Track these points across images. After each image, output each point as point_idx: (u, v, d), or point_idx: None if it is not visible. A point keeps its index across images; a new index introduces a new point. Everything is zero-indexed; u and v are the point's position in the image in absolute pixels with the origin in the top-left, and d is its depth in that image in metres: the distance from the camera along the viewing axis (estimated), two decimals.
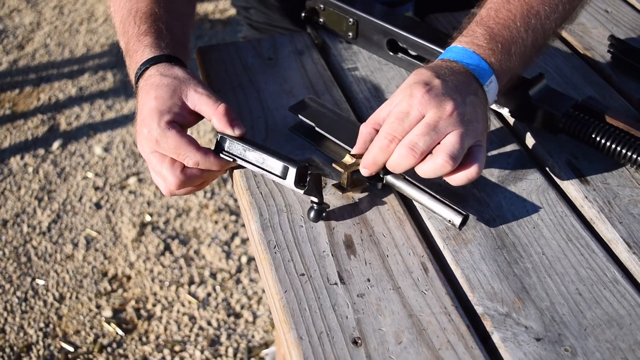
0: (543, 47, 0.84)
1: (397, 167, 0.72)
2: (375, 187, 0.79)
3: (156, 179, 0.81)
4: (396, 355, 0.62)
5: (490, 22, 0.79)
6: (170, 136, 0.77)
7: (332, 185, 0.80)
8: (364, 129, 0.76)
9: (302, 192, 0.75)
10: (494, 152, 0.86)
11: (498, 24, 0.79)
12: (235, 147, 0.79)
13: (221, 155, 0.80)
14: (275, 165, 0.77)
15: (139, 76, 0.83)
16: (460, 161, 0.71)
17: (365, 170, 0.75)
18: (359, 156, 0.76)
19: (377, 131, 0.75)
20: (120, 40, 0.91)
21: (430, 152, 0.71)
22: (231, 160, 0.80)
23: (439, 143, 0.70)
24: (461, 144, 0.70)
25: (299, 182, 0.76)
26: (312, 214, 0.74)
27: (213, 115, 0.79)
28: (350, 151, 0.80)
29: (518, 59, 0.79)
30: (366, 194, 0.79)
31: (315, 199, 0.74)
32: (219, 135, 0.80)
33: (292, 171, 0.75)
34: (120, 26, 0.90)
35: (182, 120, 0.79)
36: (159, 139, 0.77)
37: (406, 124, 0.71)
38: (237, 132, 0.79)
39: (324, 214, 0.75)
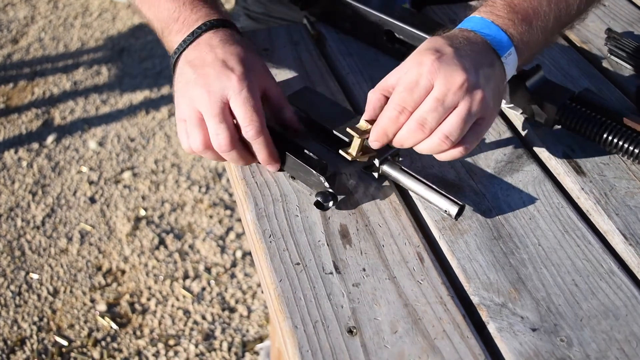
0: (565, 25, 0.82)
1: (405, 142, 0.70)
2: (371, 177, 0.79)
3: (194, 127, 0.75)
4: (391, 345, 0.61)
5: None
6: (255, 98, 0.74)
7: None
8: (373, 95, 0.73)
9: (327, 184, 0.75)
10: (491, 144, 0.86)
11: None
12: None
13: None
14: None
15: (210, 26, 0.79)
16: None
17: (376, 143, 0.72)
18: (372, 122, 0.73)
19: (386, 98, 0.72)
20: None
21: None
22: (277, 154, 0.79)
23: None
24: (461, 124, 0.67)
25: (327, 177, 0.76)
26: (320, 197, 0.73)
27: (286, 107, 0.80)
28: (346, 140, 0.79)
29: (540, 33, 0.76)
30: (362, 184, 0.79)
31: (330, 190, 0.74)
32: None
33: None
34: None
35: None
36: (244, 93, 0.73)
37: (416, 95, 0.68)
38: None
39: (331, 203, 0.74)
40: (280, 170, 0.80)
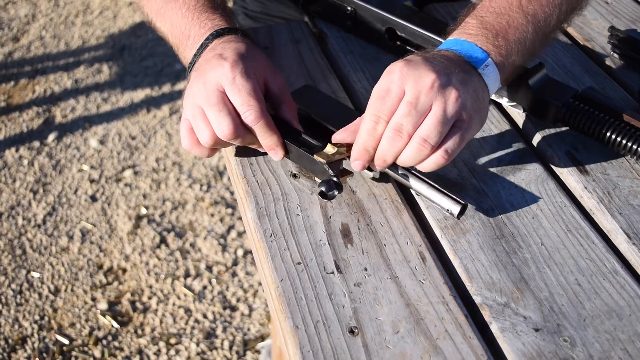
0: (549, 35, 0.81)
1: (387, 153, 0.69)
2: (373, 176, 0.78)
3: (200, 122, 0.74)
4: (393, 345, 0.61)
5: (483, 12, 0.77)
6: (251, 83, 0.73)
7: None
8: (357, 121, 0.74)
9: (331, 172, 0.74)
10: (493, 142, 0.85)
11: (491, 13, 0.77)
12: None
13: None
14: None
15: (217, 34, 0.80)
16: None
17: (358, 162, 0.71)
18: (340, 145, 0.74)
19: None
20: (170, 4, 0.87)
21: None
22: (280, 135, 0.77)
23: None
24: (438, 126, 0.66)
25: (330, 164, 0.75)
26: (324, 187, 0.72)
27: (286, 103, 0.78)
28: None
29: (519, 45, 0.76)
30: (363, 183, 0.78)
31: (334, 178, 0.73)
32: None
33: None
34: None
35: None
36: (238, 79, 0.72)
37: (388, 103, 0.68)
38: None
39: (336, 192, 0.73)
40: (286, 157, 0.78)
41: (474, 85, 0.70)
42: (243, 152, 0.82)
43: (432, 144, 0.67)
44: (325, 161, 0.73)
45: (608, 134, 0.80)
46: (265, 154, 0.81)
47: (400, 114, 0.67)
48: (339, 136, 0.74)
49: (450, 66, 0.70)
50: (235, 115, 0.73)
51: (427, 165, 0.69)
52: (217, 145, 0.75)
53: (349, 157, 0.75)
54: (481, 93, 0.72)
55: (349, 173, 0.77)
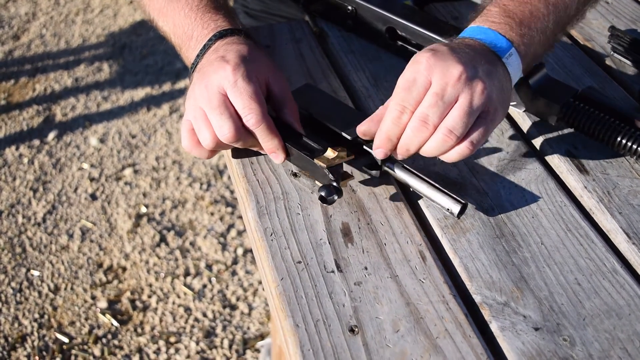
0: (566, 26, 0.81)
1: (411, 143, 0.69)
2: (373, 175, 0.79)
3: (201, 124, 0.74)
4: (393, 344, 0.61)
5: (505, 0, 0.77)
6: (252, 86, 0.73)
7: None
8: (380, 110, 0.73)
9: (331, 176, 0.74)
10: (493, 142, 0.85)
11: (514, 1, 0.77)
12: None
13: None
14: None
15: (220, 36, 0.80)
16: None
17: (380, 150, 0.72)
18: (340, 149, 0.75)
19: None
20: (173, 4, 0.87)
21: None
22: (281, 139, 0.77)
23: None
24: (464, 117, 0.67)
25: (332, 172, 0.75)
26: (324, 192, 0.72)
27: (288, 106, 0.78)
28: (332, 145, 0.78)
29: (540, 35, 0.76)
30: (364, 182, 0.78)
31: (334, 183, 0.73)
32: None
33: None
34: None
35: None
36: (240, 82, 0.73)
37: (414, 92, 0.68)
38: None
39: (336, 197, 0.73)
40: (287, 159, 0.79)
41: (499, 76, 0.71)
42: (243, 152, 0.83)
43: (458, 135, 0.67)
44: (325, 165, 0.73)
45: (608, 133, 0.80)
46: (265, 154, 0.81)
47: (427, 104, 0.67)
48: (364, 127, 0.74)
49: (476, 57, 0.70)
50: (236, 119, 0.73)
51: (452, 156, 0.69)
52: (218, 147, 0.75)
53: (349, 160, 0.75)
54: (505, 84, 0.72)
55: (349, 176, 0.77)
